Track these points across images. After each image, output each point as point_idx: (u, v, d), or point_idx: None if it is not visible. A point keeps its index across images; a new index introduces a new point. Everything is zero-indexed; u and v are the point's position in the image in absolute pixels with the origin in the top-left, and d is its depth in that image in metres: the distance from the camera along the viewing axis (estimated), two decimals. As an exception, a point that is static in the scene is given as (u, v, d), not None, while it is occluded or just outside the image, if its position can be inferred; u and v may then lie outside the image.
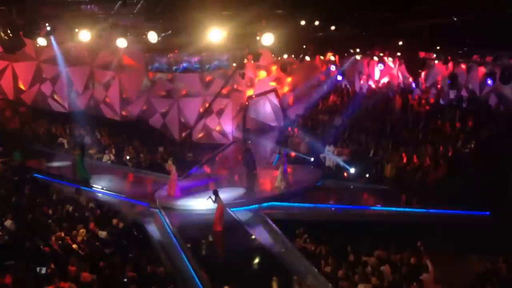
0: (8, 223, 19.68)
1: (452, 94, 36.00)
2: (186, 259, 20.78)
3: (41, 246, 18.21)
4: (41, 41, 23.55)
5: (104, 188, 28.63)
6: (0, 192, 23.54)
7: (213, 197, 23.43)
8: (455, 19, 19.24)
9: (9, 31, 19.79)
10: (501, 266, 18.31)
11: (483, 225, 22.58)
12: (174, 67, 37.17)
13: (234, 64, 34.71)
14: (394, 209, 25.38)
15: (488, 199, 23.72)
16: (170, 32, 21.65)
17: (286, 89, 43.25)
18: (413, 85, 39.60)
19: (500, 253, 18.82)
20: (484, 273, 18.26)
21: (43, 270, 16.09)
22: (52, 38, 28.90)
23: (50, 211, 22.25)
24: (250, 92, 40.19)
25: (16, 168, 28.21)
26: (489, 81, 27.92)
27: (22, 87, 39.10)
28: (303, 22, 22.22)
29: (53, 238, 19.15)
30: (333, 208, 26.02)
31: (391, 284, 17.43)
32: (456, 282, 18.83)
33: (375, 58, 38.39)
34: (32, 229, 19.81)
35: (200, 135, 38.87)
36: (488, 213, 23.64)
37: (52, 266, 16.45)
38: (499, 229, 21.56)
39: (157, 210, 25.88)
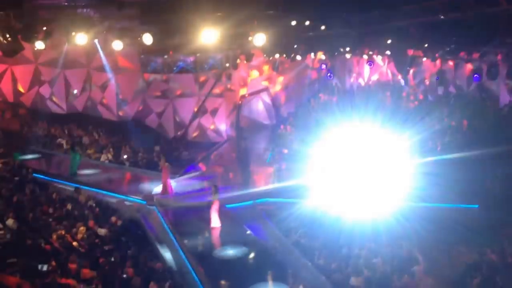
0: (10, 222, 19.82)
1: (440, 90, 36.38)
2: (183, 255, 21.06)
3: (42, 244, 18.50)
4: (39, 45, 23.74)
5: (103, 187, 28.93)
6: (1, 192, 23.81)
7: (213, 191, 23.87)
8: (442, 17, 19.60)
9: (7, 35, 20.05)
10: (490, 257, 18.62)
11: (472, 218, 22.83)
12: (173, 68, 37.53)
13: (227, 64, 35.06)
14: (385, 203, 25.53)
15: (477, 193, 24.04)
16: (164, 34, 21.98)
17: (278, 87, 43.65)
18: (402, 82, 40.01)
19: (488, 245, 19.15)
20: (473, 264, 18.54)
21: (44, 267, 16.44)
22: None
23: (51, 210, 22.44)
24: (243, 91, 40.52)
25: (16, 168, 28.55)
26: (476, 77, 28.28)
27: (21, 89, 39.55)
28: (294, 22, 22.61)
29: (54, 236, 19.44)
30: (325, 203, 26.25)
31: (383, 276, 17.65)
32: (446, 273, 18.93)
33: (365, 57, 38.80)
34: (33, 228, 20.10)
35: (195, 134, 39.09)
36: (477, 206, 23.95)
37: (53, 263, 16.82)
38: (487, 221, 22.00)
39: (154, 208, 26.10)
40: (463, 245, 20.54)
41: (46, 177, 29.52)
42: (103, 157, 33.53)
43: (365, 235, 20.11)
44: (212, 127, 39.08)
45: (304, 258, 19.79)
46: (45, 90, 39.43)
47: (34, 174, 28.45)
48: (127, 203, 27.12)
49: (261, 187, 28.93)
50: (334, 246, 19.83)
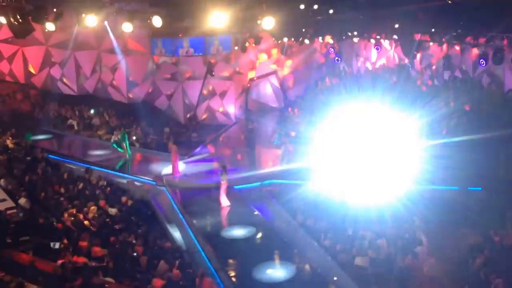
0: (22, 201, 20.22)
1: (446, 75, 36.49)
2: (192, 234, 21.38)
3: (54, 222, 18.91)
4: (49, 26, 23.92)
5: (113, 167, 29.32)
6: (14, 171, 24.18)
7: (221, 172, 24.15)
8: (449, 1, 19.73)
9: (18, 17, 20.24)
10: (493, 239, 18.86)
11: (476, 200, 22.77)
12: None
13: (236, 48, 35.19)
14: (391, 185, 25.76)
15: (481, 175, 24.10)
16: (173, 16, 22.14)
17: (286, 71, 43.85)
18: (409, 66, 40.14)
19: (491, 227, 19.38)
20: (475, 246, 18.72)
21: (57, 245, 16.85)
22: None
23: (62, 190, 22.87)
24: (251, 74, 40.75)
25: (28, 148, 28.87)
26: (482, 62, 28.38)
27: (32, 71, 40.19)
28: (302, 6, 22.75)
29: (66, 215, 19.89)
30: (332, 185, 26.48)
31: (387, 256, 18.02)
32: (449, 254, 19.07)
33: (372, 41, 38.92)
34: (45, 207, 20.56)
35: (204, 116, 39.30)
36: (480, 188, 24.00)
37: (65, 241, 17.23)
38: (490, 203, 22.18)
39: (164, 188, 26.43)
40: (467, 227, 20.60)
41: (57, 157, 29.87)
42: (113, 138, 33.66)
43: (370, 217, 20.33)
44: (221, 109, 39.24)
45: (310, 239, 20.02)
46: (55, 72, 39.88)
47: (47, 155, 28.81)
48: (137, 183, 27.47)
49: (269, 169, 29.17)
50: (339, 227, 20.13)
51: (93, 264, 16.24)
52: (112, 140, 30.97)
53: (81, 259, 16.09)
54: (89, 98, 39.72)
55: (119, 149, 30.59)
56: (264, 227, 22.14)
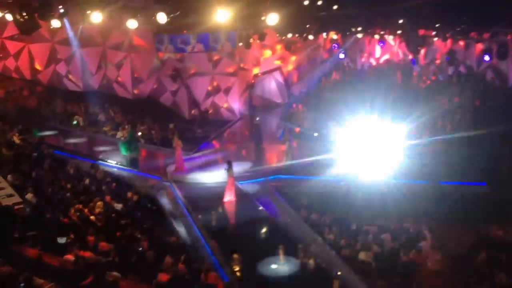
0: (29, 196, 20.30)
1: (450, 70, 36.55)
2: (197, 229, 21.54)
3: (60, 217, 18.97)
4: (55, 23, 24.00)
5: (119, 163, 29.40)
6: (21, 167, 24.30)
7: (227, 167, 24.27)
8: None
9: (24, 14, 20.34)
10: (497, 233, 19.05)
11: (480, 195, 23.07)
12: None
13: (240, 44, 35.25)
14: (395, 180, 25.58)
15: (485, 170, 24.19)
16: (178, 13, 22.20)
17: (290, 67, 43.94)
18: (413, 62, 40.19)
19: (494, 222, 19.59)
20: (479, 240, 19.00)
21: (63, 240, 16.96)
22: (65, 20, 29.74)
23: (69, 185, 22.95)
24: (256, 70, 40.81)
25: (35, 144, 28.96)
26: (486, 57, 28.48)
27: (38, 67, 40.44)
28: (306, 2, 22.79)
29: (72, 210, 19.91)
30: (336, 180, 26.57)
31: (391, 251, 18.14)
32: (452, 249, 19.18)
33: (376, 37, 38.98)
34: (52, 202, 20.59)
35: (209, 112, 39.45)
36: (484, 183, 24.08)
37: (72, 236, 17.37)
38: (495, 198, 22.28)
39: (169, 184, 26.64)
40: (471, 222, 20.66)
41: (63, 153, 30.01)
42: (118, 134, 33.87)
43: (374, 212, 20.58)
44: (225, 105, 39.27)
45: (315, 234, 20.17)
46: (61, 68, 40.08)
47: (54, 151, 29.00)
48: (142, 179, 27.60)
49: (273, 164, 29.32)
50: (343, 222, 20.26)
51: (103, 260, 16.31)
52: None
53: (88, 254, 16.16)
54: (95, 95, 39.74)
55: (129, 152, 30.46)
56: (268, 222, 22.27)
